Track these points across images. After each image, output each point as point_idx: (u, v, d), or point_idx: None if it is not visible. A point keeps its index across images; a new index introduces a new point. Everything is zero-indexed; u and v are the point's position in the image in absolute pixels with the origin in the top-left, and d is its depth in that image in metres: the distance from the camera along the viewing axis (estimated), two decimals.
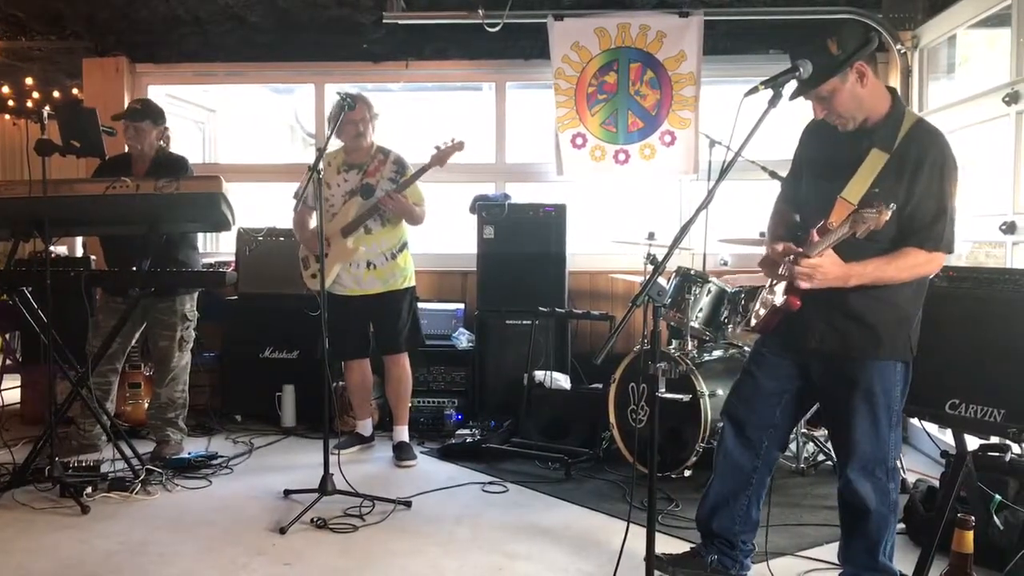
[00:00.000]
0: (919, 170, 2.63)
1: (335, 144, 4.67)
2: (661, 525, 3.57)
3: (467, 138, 4.53)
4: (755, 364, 3.05)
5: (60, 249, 5.65)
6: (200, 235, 6.32)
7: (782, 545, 3.43)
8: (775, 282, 2.91)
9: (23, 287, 4.20)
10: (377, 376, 5.04)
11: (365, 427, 4.93)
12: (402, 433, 4.81)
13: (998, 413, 2.63)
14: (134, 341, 4.76)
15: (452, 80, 6.30)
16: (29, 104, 6.79)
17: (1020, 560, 2.35)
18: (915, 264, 2.65)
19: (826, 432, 3.94)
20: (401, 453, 4.69)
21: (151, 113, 4.61)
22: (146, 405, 5.03)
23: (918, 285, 2.74)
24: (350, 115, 4.49)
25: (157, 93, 6.17)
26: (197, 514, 3.83)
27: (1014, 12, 4.13)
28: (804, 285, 2.65)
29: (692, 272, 4.53)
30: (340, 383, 5.12)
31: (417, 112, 6.67)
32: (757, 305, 3.06)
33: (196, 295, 4.75)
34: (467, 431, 5.02)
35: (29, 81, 6.93)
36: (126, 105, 5.11)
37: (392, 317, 4.70)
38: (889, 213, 2.44)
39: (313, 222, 4.67)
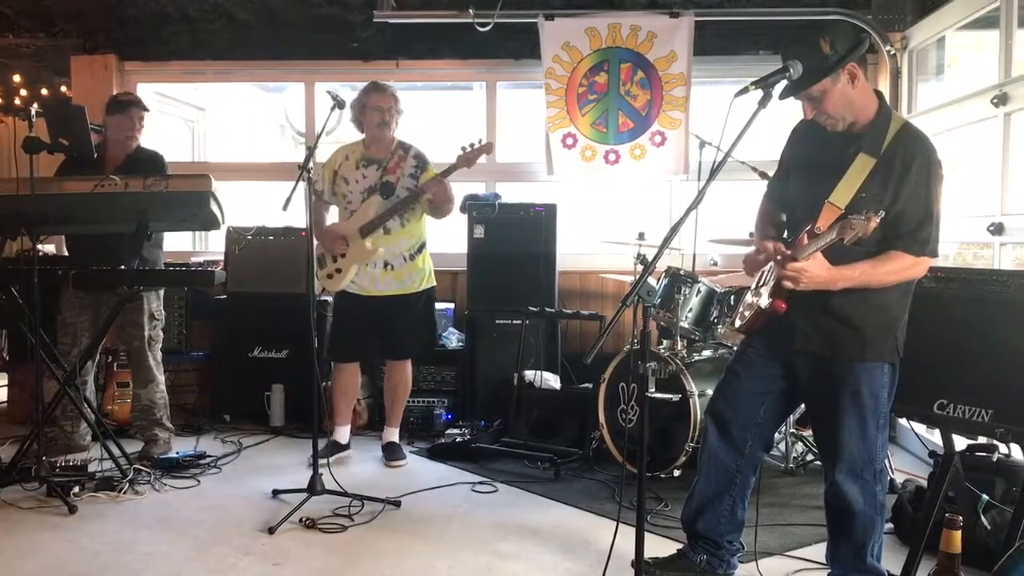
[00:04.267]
0: (906, 175, 2.64)
1: (356, 136, 4.59)
2: (650, 525, 3.57)
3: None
4: (740, 364, 3.06)
5: (48, 247, 5.62)
6: (189, 233, 6.35)
7: (771, 545, 3.44)
8: (761, 283, 2.92)
9: (10, 286, 4.17)
10: (365, 376, 5.03)
11: (343, 434, 4.73)
12: (393, 434, 4.77)
13: (986, 413, 2.64)
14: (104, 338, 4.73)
15: (443, 79, 6.30)
16: (17, 102, 6.75)
17: (1007, 560, 2.36)
18: (901, 268, 2.67)
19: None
20: (391, 453, 4.67)
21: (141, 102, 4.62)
22: (131, 407, 4.99)
23: (905, 287, 2.75)
24: (376, 101, 4.42)
25: (146, 91, 6.15)
26: (185, 514, 3.82)
27: (1002, 14, 4.15)
28: (789, 286, 2.66)
29: (682, 272, 4.54)
30: (328, 383, 5.10)
31: (407, 111, 6.65)
32: (742, 307, 3.07)
33: (162, 294, 4.73)
34: (457, 431, 5.02)
35: (17, 78, 6.89)
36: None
37: (403, 321, 4.59)
38: (877, 220, 2.45)
39: (330, 218, 4.63)
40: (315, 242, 4.44)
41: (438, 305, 5.66)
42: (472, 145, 4.39)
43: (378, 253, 4.46)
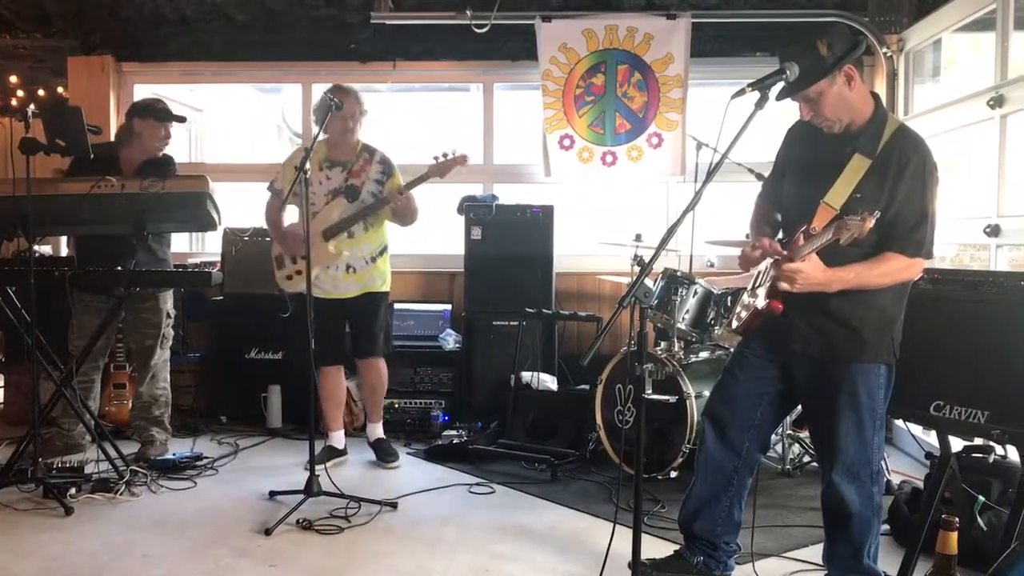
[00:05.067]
0: (901, 176, 2.65)
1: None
2: (647, 526, 3.58)
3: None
4: (737, 365, 3.06)
5: (44, 248, 5.62)
6: (186, 235, 6.34)
7: (768, 546, 3.44)
8: (757, 284, 2.93)
9: (7, 286, 4.17)
10: (360, 377, 5.02)
11: (338, 439, 4.72)
12: (377, 430, 4.78)
13: (982, 415, 2.64)
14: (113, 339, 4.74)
15: (440, 81, 6.29)
16: (13, 102, 6.74)
17: (1003, 561, 2.36)
18: (896, 270, 2.67)
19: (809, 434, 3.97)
20: (383, 453, 4.68)
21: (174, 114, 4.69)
22: (130, 406, 4.99)
23: (901, 288, 2.76)
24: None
25: (143, 92, 6.13)
26: (182, 515, 3.81)
27: (999, 16, 4.15)
28: (785, 287, 2.66)
29: (679, 274, 4.54)
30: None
31: (404, 113, 6.66)
32: (738, 307, 3.07)
33: (171, 292, 4.75)
34: (454, 432, 5.01)
35: (14, 79, 6.88)
36: (116, 105, 5.12)
37: (369, 319, 4.60)
38: (873, 221, 2.46)
39: (287, 220, 4.61)
40: (296, 242, 4.43)
41: (436, 307, 5.71)
42: (446, 155, 4.37)
43: (342, 256, 4.45)
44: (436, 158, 4.38)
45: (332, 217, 4.44)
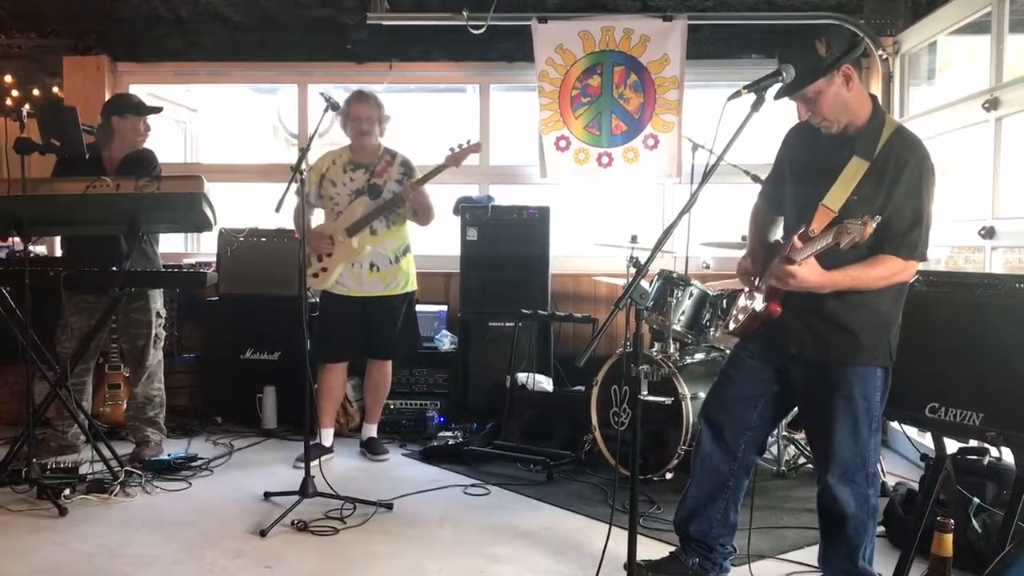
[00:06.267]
0: (898, 178, 2.65)
1: (343, 141, 4.66)
2: (643, 528, 3.56)
3: (451, 140, 4.53)
4: (733, 367, 3.06)
5: (39, 248, 5.60)
6: (181, 235, 6.33)
7: (763, 548, 3.44)
8: (757, 284, 2.93)
9: (1, 287, 4.15)
10: (357, 378, 5.03)
11: (327, 436, 4.75)
12: (372, 430, 4.87)
13: (977, 417, 2.65)
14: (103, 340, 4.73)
15: (436, 82, 6.29)
16: (8, 102, 6.73)
17: (998, 563, 2.37)
18: (891, 272, 2.67)
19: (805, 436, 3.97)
20: (372, 448, 4.76)
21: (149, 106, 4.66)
22: (125, 406, 4.98)
23: (898, 291, 2.76)
24: (356, 111, 4.49)
25: (138, 92, 6.11)
26: (176, 516, 3.80)
27: (994, 19, 4.16)
28: (777, 285, 2.67)
29: (674, 275, 4.54)
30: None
31: (401, 114, 6.65)
32: (736, 310, 3.07)
33: (163, 292, 4.75)
34: (449, 433, 5.01)
35: (9, 79, 6.86)
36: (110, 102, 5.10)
37: (388, 322, 4.67)
38: (874, 225, 2.45)
39: (314, 221, 4.66)
40: (330, 240, 4.55)
41: (432, 308, 5.70)
42: (460, 146, 4.48)
43: (365, 252, 4.53)
44: (451, 149, 4.50)
45: (356, 214, 4.54)
